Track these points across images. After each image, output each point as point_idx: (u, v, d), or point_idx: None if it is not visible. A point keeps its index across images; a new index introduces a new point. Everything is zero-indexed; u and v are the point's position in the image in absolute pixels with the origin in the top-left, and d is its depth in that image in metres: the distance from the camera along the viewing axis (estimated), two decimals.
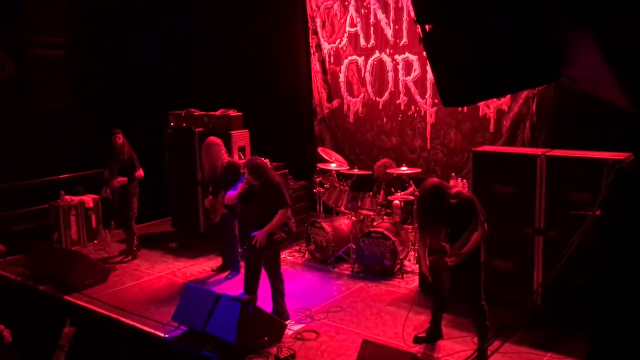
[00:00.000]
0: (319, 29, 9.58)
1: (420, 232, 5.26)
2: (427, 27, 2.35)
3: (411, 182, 7.68)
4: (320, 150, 8.65)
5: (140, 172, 7.90)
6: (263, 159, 7.52)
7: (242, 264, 7.30)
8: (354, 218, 7.55)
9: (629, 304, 2.24)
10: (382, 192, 7.86)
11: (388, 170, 7.80)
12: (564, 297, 5.33)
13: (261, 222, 5.81)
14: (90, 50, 9.75)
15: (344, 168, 8.22)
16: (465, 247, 4.84)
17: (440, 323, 5.41)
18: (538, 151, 5.92)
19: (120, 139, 7.83)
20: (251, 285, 5.92)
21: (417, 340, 5.37)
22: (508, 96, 7.65)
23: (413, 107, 8.68)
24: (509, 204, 5.81)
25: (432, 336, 5.39)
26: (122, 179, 7.77)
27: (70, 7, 9.50)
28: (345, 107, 9.50)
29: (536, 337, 5.24)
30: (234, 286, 6.90)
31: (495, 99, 7.75)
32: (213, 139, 7.18)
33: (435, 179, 5.16)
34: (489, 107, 7.90)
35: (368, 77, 9.13)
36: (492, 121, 7.90)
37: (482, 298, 4.98)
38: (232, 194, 6.40)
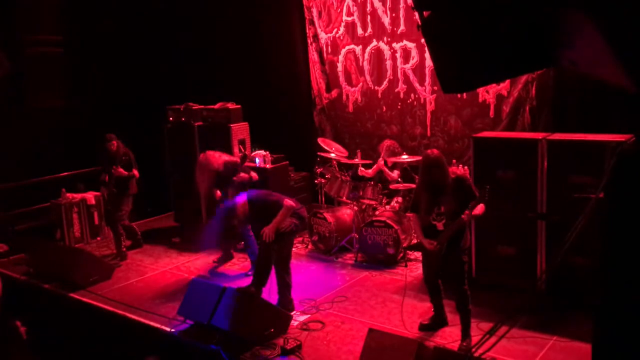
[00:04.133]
0: (315, 19, 9.54)
1: (416, 208, 5.25)
2: (425, 13, 2.34)
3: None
4: (320, 140, 8.63)
5: (134, 172, 7.81)
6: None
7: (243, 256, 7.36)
8: (356, 208, 7.54)
9: (634, 287, 2.24)
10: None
11: (388, 159, 7.77)
12: (569, 280, 5.34)
13: (267, 223, 5.79)
14: (86, 47, 9.74)
15: (345, 158, 8.21)
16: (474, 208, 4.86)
17: (442, 310, 5.43)
18: (539, 135, 5.90)
19: (114, 145, 7.73)
20: (261, 279, 5.94)
21: (422, 327, 5.40)
22: (507, 81, 7.62)
23: (412, 95, 8.65)
24: (510, 189, 5.81)
25: (436, 323, 5.42)
26: (122, 171, 7.72)
27: (65, 4, 9.48)
28: (344, 96, 9.47)
29: (541, 321, 5.24)
30: (240, 279, 6.92)
31: (494, 85, 7.72)
32: (202, 156, 7.03)
33: (435, 150, 5.21)
34: (488, 93, 7.87)
35: (366, 66, 9.09)
36: (491, 107, 7.87)
37: (465, 283, 5.04)
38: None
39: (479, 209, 4.93)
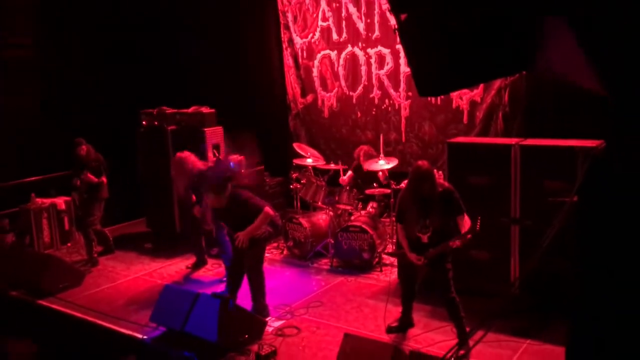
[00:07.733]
0: (290, 24, 9.53)
1: (402, 218, 5.16)
2: (401, 16, 2.33)
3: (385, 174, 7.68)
4: (295, 145, 8.60)
5: (103, 179, 7.68)
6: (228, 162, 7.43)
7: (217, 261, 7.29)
8: (331, 213, 7.53)
9: (608, 290, 2.25)
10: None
11: (364, 165, 7.77)
12: (542, 284, 5.39)
13: (242, 227, 5.67)
14: (58, 50, 9.59)
15: (320, 163, 8.20)
16: (464, 234, 4.85)
17: (411, 312, 5.47)
18: (512, 141, 5.96)
19: (83, 149, 7.63)
20: (234, 284, 5.86)
21: (390, 330, 5.42)
22: (481, 87, 7.71)
23: (387, 101, 8.69)
24: (484, 194, 5.84)
25: (404, 324, 5.45)
26: (91, 177, 7.58)
27: (36, 7, 9.33)
28: (320, 101, 9.47)
29: (515, 324, 5.28)
30: (215, 285, 6.85)
31: (468, 91, 7.80)
32: (179, 155, 6.96)
33: (426, 162, 5.10)
34: (462, 99, 7.94)
35: (341, 72, 9.11)
36: (465, 113, 7.95)
37: (452, 290, 5.00)
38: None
39: (466, 227, 4.91)
